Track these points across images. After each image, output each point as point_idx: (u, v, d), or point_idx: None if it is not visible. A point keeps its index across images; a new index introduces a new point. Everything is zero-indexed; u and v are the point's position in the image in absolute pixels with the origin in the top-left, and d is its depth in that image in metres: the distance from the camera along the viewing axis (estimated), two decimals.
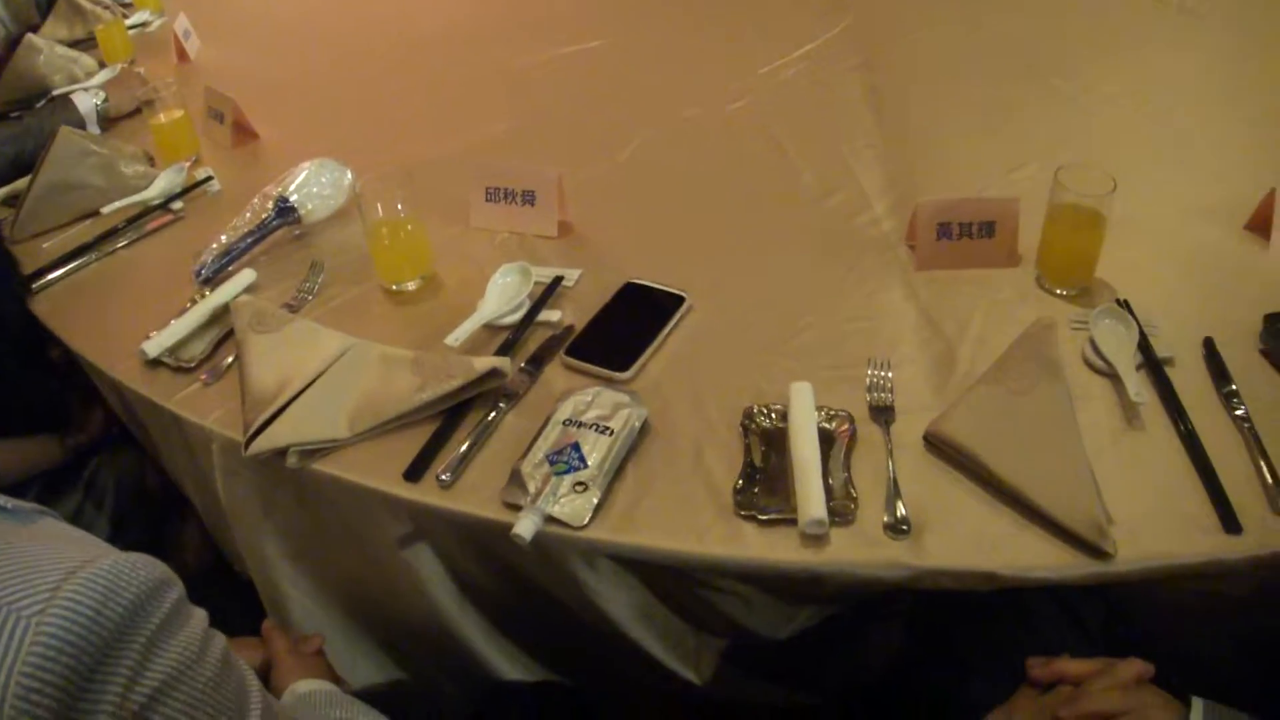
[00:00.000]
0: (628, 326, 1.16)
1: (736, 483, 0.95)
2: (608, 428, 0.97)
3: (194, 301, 1.29)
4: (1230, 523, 0.93)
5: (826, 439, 0.98)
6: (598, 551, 0.94)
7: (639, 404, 1.01)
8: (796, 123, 1.69)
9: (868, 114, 1.69)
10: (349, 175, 1.50)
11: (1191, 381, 1.09)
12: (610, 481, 0.95)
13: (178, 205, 1.60)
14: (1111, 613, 0.97)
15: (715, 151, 1.65)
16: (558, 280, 1.26)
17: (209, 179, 1.64)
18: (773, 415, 1.01)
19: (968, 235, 1.26)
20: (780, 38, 2.00)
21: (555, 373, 1.12)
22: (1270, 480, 0.96)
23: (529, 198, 1.39)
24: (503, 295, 1.21)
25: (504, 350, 1.14)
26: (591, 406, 1.00)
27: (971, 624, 1.01)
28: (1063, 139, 1.62)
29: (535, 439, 0.99)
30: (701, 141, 1.68)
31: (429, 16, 2.37)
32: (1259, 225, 1.37)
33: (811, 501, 0.90)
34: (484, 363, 1.05)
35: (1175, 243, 1.36)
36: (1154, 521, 0.93)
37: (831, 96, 1.78)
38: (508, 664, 1.14)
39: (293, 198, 1.43)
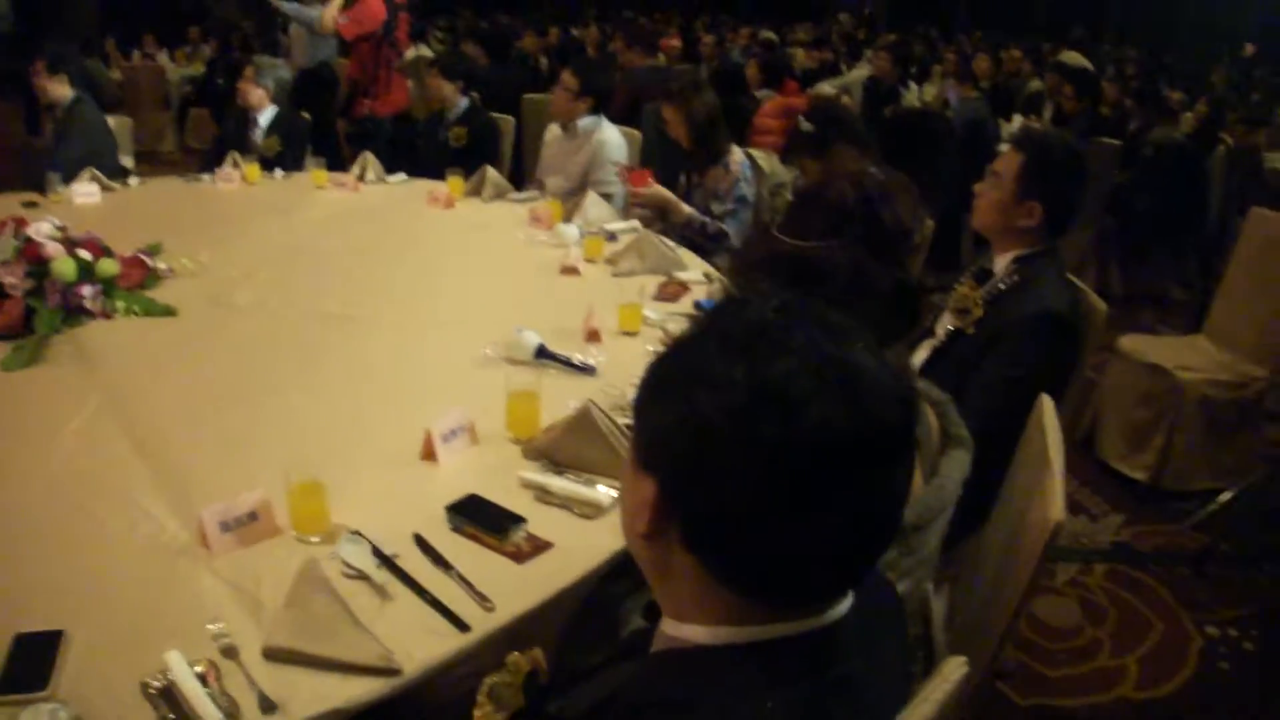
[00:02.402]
0: (25, 664, 1.64)
1: None
2: None
3: None
4: (461, 625, 1.73)
5: (203, 679, 1.61)
6: None
7: (66, 705, 1.55)
8: (89, 491, 2.20)
9: (140, 463, 2.29)
10: None
11: (418, 560, 1.91)
12: None
13: None
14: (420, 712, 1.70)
15: (41, 537, 2.05)
16: None
17: None
18: (161, 678, 1.62)
19: (242, 524, 1.95)
20: (46, 426, 2.48)
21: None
22: (474, 593, 1.80)
23: None
24: None
25: None
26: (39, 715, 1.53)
27: None
28: (282, 438, 2.43)
29: None
30: (34, 532, 2.07)
31: None
32: (430, 454, 2.28)
33: (210, 716, 1.53)
34: None
35: (384, 481, 2.24)
36: (420, 642, 1.68)
37: (108, 461, 2.32)
38: None
39: None
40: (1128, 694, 3.14)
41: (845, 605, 1.07)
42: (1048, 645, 3.32)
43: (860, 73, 9.57)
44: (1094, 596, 3.62)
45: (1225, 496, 4.12)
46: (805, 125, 3.60)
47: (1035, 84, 10.36)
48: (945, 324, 2.78)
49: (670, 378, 1.05)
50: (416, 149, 6.36)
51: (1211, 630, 3.47)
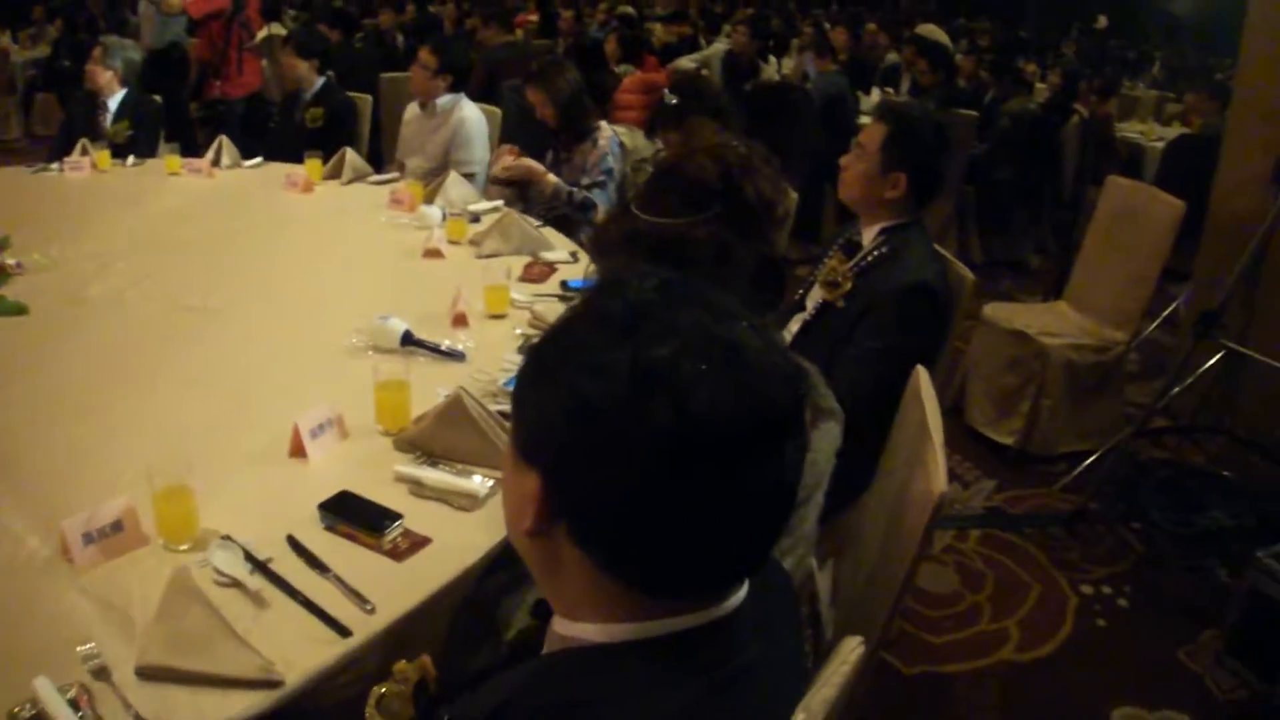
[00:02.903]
0: None
1: None
2: None
3: None
4: (342, 630, 1.68)
5: (75, 704, 1.54)
6: None
7: None
8: None
9: None
10: None
11: (293, 563, 1.86)
12: None
13: None
14: None
15: None
16: None
17: None
18: (30, 707, 1.54)
19: (106, 536, 1.87)
20: None
21: None
22: (353, 595, 1.75)
23: None
24: None
25: None
26: None
27: None
28: (144, 440, 2.31)
29: None
30: None
31: None
32: (298, 451, 2.21)
33: None
34: None
35: (252, 481, 2.16)
36: (300, 650, 1.63)
37: None
38: None
39: None
40: (1010, 656, 3.22)
41: (742, 593, 1.05)
42: (929, 613, 3.39)
43: (719, 47, 9.61)
44: (971, 562, 3.71)
45: (1093, 458, 4.25)
46: (671, 98, 3.60)
47: (892, 57, 10.52)
48: (814, 297, 2.80)
49: (550, 365, 1.02)
50: (271, 131, 6.22)
51: (1086, 589, 3.59)
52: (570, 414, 0.96)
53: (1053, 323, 4.54)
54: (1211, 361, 4.06)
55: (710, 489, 0.94)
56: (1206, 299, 4.10)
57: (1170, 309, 5.37)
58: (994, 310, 4.69)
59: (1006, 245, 7.31)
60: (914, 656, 3.17)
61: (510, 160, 4.49)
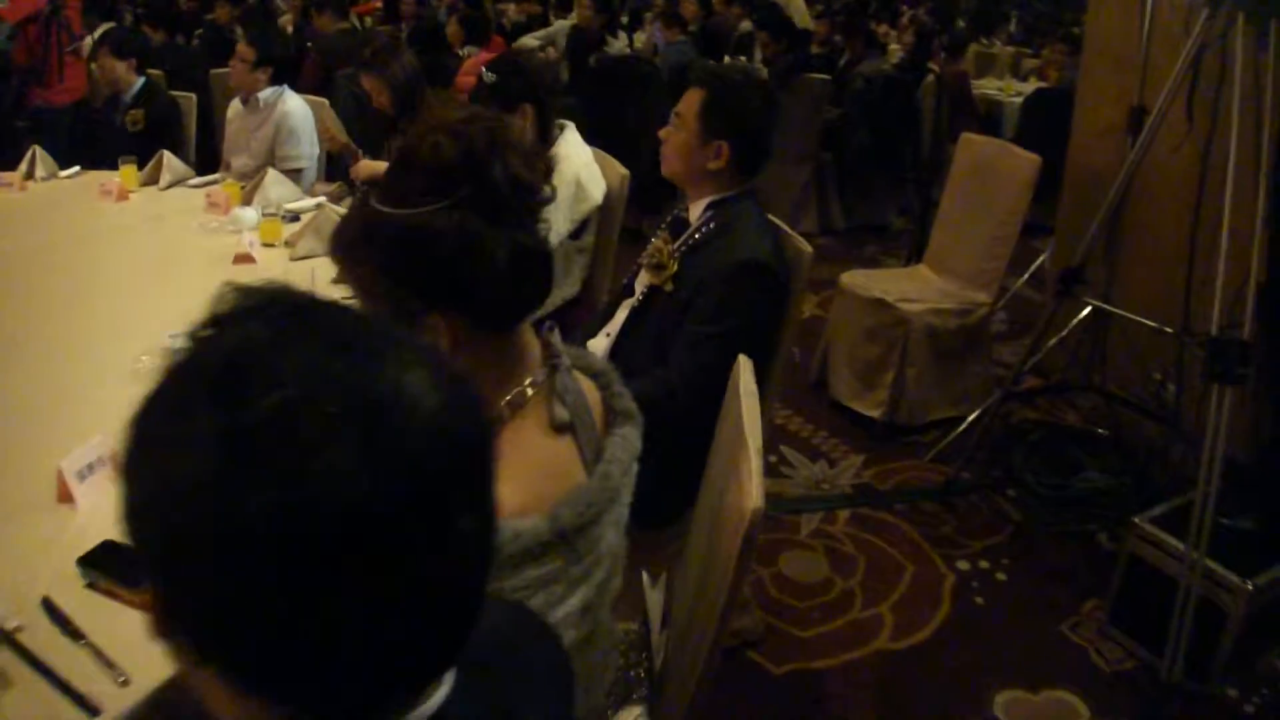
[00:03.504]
0: None
1: None
2: None
3: None
4: (90, 709, 1.47)
5: None
6: None
7: None
8: None
9: None
10: None
11: (47, 632, 1.64)
12: None
13: None
14: None
15: None
16: None
17: None
18: None
19: None
20: None
21: None
22: (107, 665, 1.54)
23: None
24: None
25: None
26: None
27: None
28: None
29: None
30: None
31: None
32: (66, 497, 1.99)
33: None
34: None
35: (8, 536, 1.92)
36: None
37: None
38: None
39: None
40: (884, 646, 3.10)
41: (442, 691, 0.85)
42: (797, 604, 3.25)
43: (564, 23, 9.47)
44: (840, 546, 3.59)
45: (964, 425, 4.18)
46: (489, 77, 3.40)
47: (746, 25, 10.43)
48: (642, 281, 2.64)
49: (137, 440, 0.77)
50: (97, 138, 5.89)
51: (963, 565, 3.49)
52: (160, 506, 0.73)
53: (913, 288, 4.46)
54: (1079, 317, 4.00)
55: (342, 590, 0.71)
56: (1068, 255, 4.02)
57: (1035, 265, 5.34)
58: (851, 278, 4.58)
59: (869, 209, 7.29)
60: (783, 654, 3.02)
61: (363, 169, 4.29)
